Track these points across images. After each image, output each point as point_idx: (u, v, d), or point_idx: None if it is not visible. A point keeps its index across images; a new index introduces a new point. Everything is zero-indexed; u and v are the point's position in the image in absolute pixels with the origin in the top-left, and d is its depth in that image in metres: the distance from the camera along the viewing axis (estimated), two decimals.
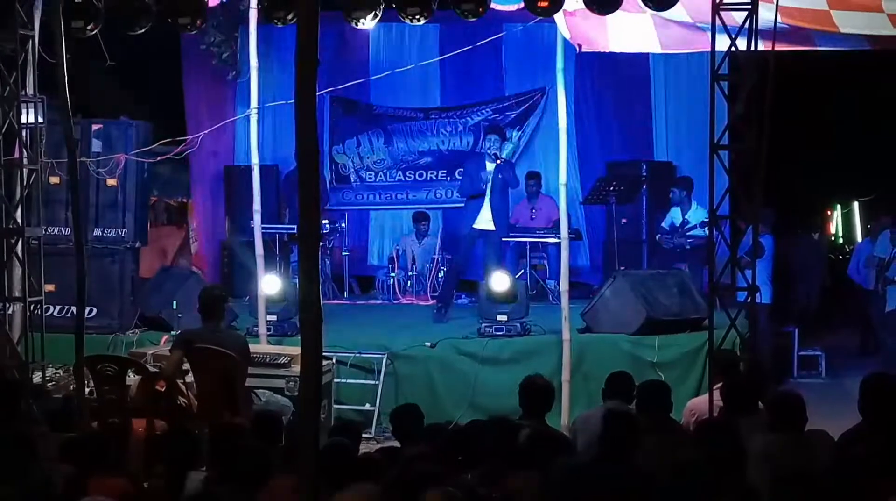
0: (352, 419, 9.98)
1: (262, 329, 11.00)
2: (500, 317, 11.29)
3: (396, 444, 7.27)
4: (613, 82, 14.67)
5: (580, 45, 10.93)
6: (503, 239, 12.70)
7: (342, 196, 15.59)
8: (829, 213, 26.10)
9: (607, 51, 11.21)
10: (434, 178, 15.44)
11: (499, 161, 12.10)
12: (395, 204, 15.61)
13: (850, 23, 9.54)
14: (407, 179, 15.57)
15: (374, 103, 15.49)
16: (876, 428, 6.35)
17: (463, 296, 13.81)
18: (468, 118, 15.18)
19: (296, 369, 9.44)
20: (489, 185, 12.08)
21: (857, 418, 6.59)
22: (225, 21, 13.98)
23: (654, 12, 9.92)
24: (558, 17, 10.41)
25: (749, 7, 8.51)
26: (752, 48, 8.56)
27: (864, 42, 9.98)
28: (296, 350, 9.14)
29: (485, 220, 12.11)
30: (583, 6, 9.68)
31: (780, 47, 8.76)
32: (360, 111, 15.54)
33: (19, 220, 9.65)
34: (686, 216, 12.94)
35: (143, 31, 10.28)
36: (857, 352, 14.92)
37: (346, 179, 15.68)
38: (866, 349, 14.80)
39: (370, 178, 15.66)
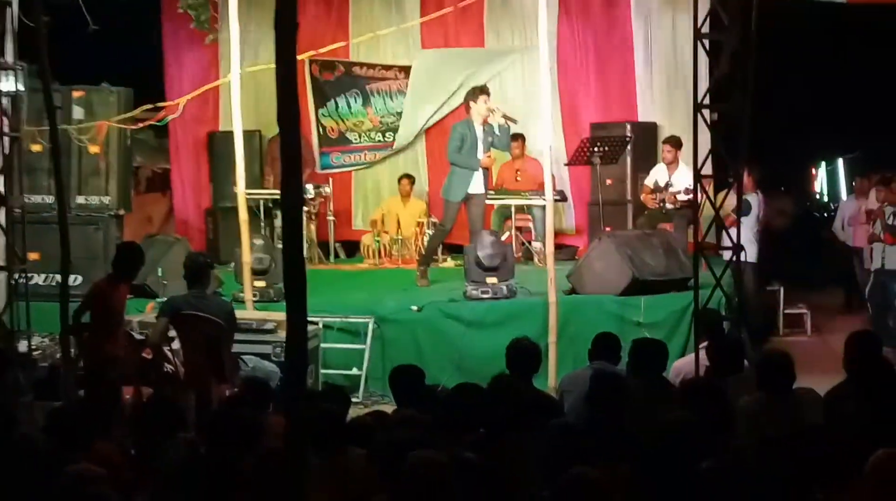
0: (340, 385, 9.99)
1: (248, 295, 10.99)
2: (487, 280, 11.30)
3: (384, 407, 7.28)
4: (596, 42, 14.61)
5: None
6: (486, 201, 12.65)
7: (329, 160, 15.53)
8: (813, 170, 26.12)
9: None
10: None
11: (509, 123, 11.99)
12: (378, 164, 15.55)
13: None
14: (387, 140, 15.50)
15: (353, 61, 15.38)
16: (860, 385, 6.38)
17: (449, 259, 13.81)
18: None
19: (282, 334, 9.43)
20: (480, 146, 11.97)
21: (842, 375, 6.61)
22: None
23: None
24: None
25: None
26: None
27: None
28: (282, 316, 9.10)
29: (477, 183, 12.06)
30: None
31: None
32: (339, 71, 15.44)
33: (1, 188, 9.60)
34: (672, 177, 12.90)
35: None
36: (841, 309, 14.98)
37: (333, 141, 15.62)
38: (851, 306, 14.85)
39: (355, 139, 15.60)
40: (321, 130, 15.57)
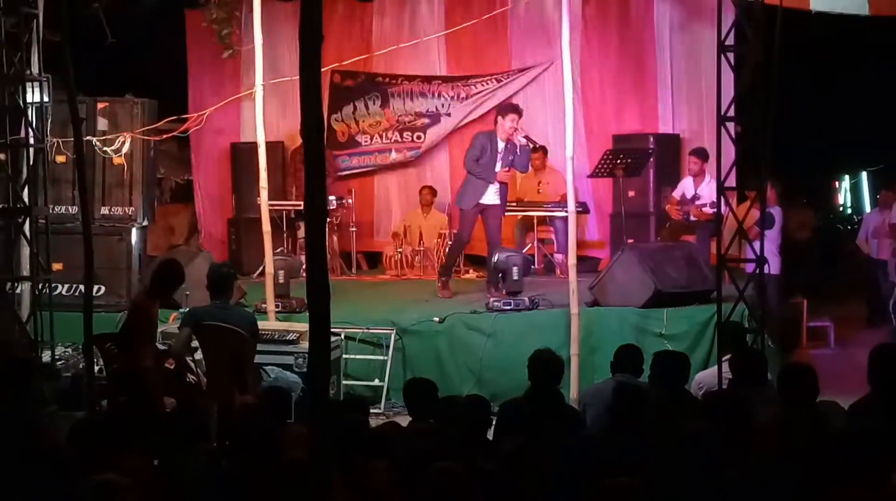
0: (360, 395, 10.00)
1: (271, 306, 11.01)
2: (508, 291, 11.30)
3: (406, 418, 7.28)
4: (619, 54, 14.60)
5: None
6: (506, 212, 12.64)
7: (339, 162, 15.50)
8: (835, 183, 26.04)
9: None
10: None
11: (530, 145, 11.98)
12: (391, 165, 15.52)
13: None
14: (404, 139, 15.46)
15: (376, 73, 15.38)
16: (884, 399, 6.35)
17: (471, 271, 13.81)
18: (472, 87, 15.09)
19: (304, 345, 9.46)
20: (499, 162, 11.96)
21: (866, 388, 6.58)
22: None
23: None
24: None
25: None
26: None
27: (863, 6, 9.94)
28: (304, 327, 9.15)
29: (491, 194, 12.04)
30: None
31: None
32: (360, 79, 15.42)
33: (26, 199, 9.65)
34: (698, 190, 12.88)
35: (148, 8, 10.28)
36: (865, 322, 14.90)
37: (341, 145, 15.56)
38: (875, 319, 14.78)
39: (366, 142, 15.56)
40: (332, 135, 15.51)
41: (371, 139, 15.49)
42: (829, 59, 16.49)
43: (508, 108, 12.25)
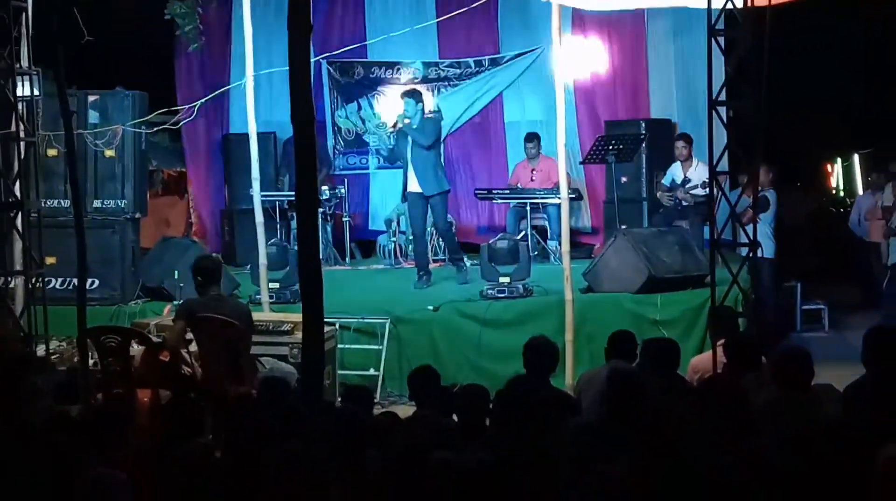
0: (363, 385, 9.99)
1: (265, 297, 11.00)
2: (502, 279, 11.30)
3: (403, 408, 7.28)
4: (609, 40, 14.60)
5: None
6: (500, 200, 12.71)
7: (347, 161, 15.52)
8: (828, 166, 26.03)
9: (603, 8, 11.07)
10: None
11: (398, 127, 12.20)
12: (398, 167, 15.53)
13: None
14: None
15: (371, 60, 15.34)
16: (879, 380, 6.35)
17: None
18: (466, 80, 15.09)
19: (299, 336, 9.38)
20: (409, 149, 12.15)
21: (861, 370, 6.59)
22: None
23: None
24: None
25: None
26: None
27: None
28: (299, 317, 9.11)
29: (413, 183, 12.20)
30: None
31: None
32: (358, 74, 15.42)
33: (18, 193, 9.63)
34: (687, 174, 12.91)
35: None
36: (859, 305, 14.90)
37: (352, 143, 15.59)
38: (868, 301, 14.77)
39: (374, 142, 15.55)
40: (338, 131, 15.55)
41: (379, 140, 15.40)
42: (820, 41, 16.47)
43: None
